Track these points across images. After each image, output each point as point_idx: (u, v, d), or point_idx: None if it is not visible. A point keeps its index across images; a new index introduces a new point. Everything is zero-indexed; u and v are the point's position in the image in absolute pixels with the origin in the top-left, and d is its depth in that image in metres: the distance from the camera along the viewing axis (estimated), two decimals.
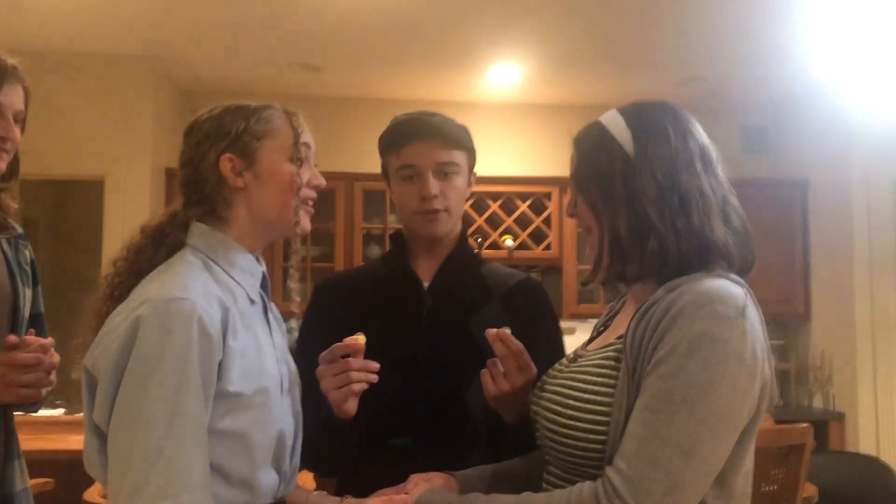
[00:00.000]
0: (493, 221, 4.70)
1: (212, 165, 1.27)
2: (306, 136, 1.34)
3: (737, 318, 1.08)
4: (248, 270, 1.28)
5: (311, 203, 1.34)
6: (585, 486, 1.08)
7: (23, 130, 1.63)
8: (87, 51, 4.28)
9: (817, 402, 4.71)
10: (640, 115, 1.23)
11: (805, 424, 2.33)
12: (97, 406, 1.11)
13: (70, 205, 5.89)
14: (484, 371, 1.42)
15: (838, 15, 3.70)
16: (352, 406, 1.38)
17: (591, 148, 1.23)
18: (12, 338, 1.52)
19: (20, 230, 1.73)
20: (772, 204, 4.81)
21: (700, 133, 1.24)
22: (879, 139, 4.37)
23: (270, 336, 1.30)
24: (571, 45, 4.20)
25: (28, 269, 1.72)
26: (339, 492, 1.57)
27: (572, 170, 1.27)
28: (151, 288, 1.16)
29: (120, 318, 1.14)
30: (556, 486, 1.23)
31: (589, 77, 4.64)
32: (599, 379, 1.16)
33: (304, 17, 3.79)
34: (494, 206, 4.67)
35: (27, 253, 1.74)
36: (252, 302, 1.27)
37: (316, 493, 1.42)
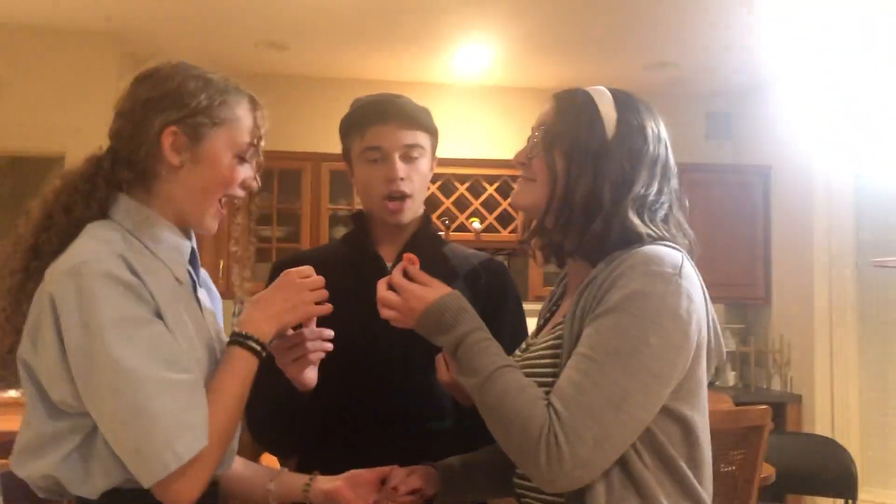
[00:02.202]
0: (461, 204, 4.70)
1: (153, 131, 1.16)
2: (263, 139, 1.25)
3: (672, 276, 1.11)
4: (175, 247, 1.21)
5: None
6: (538, 412, 1.08)
7: None
8: (48, 24, 4.17)
9: (775, 385, 4.81)
10: (629, 105, 1.25)
11: (763, 406, 2.38)
12: (59, 392, 1.08)
13: (30, 182, 5.77)
14: (438, 356, 1.42)
15: (803, 6, 3.74)
16: (311, 377, 1.36)
17: (574, 112, 1.24)
18: None
19: None
20: (734, 189, 4.88)
21: (668, 144, 1.27)
22: (841, 128, 4.43)
23: (202, 315, 1.25)
24: (540, 28, 4.19)
25: None
26: (300, 469, 1.57)
27: (543, 122, 1.27)
28: (57, 264, 1.10)
29: (34, 303, 1.10)
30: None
31: (558, 60, 4.64)
32: (548, 363, 1.19)
33: None
34: (462, 189, 4.66)
35: None
36: (179, 282, 1.20)
37: (283, 470, 1.41)
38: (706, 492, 1.17)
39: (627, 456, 1.10)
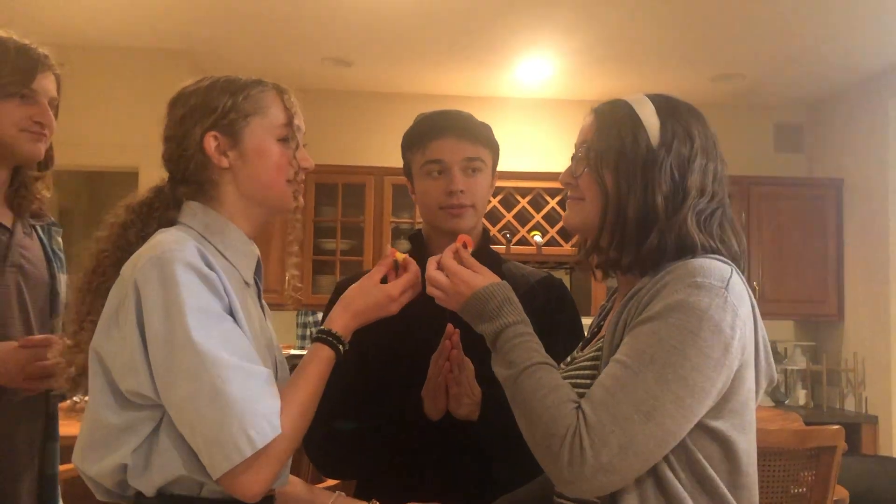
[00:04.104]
0: (522, 217, 4.69)
1: (196, 143, 1.22)
2: (298, 118, 1.28)
3: (718, 289, 1.08)
4: (243, 252, 1.25)
5: (301, 183, 1.29)
6: (566, 412, 1.07)
7: (56, 117, 1.67)
8: (123, 44, 4.34)
9: (849, 405, 4.64)
10: (672, 110, 1.22)
11: (836, 426, 2.30)
12: (131, 380, 1.10)
13: (105, 196, 5.98)
14: (425, 393, 1.45)
15: (876, 13, 3.64)
16: (442, 403, 1.42)
17: (616, 125, 1.22)
18: (24, 340, 1.55)
19: (52, 218, 1.78)
20: (806, 203, 4.76)
21: (717, 145, 1.24)
22: None
23: (265, 320, 1.28)
24: (602, 40, 4.16)
25: (62, 255, 1.76)
26: (359, 494, 1.58)
27: (585, 138, 1.25)
28: (139, 254, 1.14)
29: (113, 293, 1.14)
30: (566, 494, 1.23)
31: (620, 72, 4.61)
32: (589, 374, 1.17)
33: (336, 12, 3.81)
34: (523, 202, 4.65)
35: (59, 240, 1.78)
36: (246, 284, 1.24)
37: (340, 494, 1.42)
38: None
39: (662, 472, 1.08)
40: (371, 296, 1.26)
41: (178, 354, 1.06)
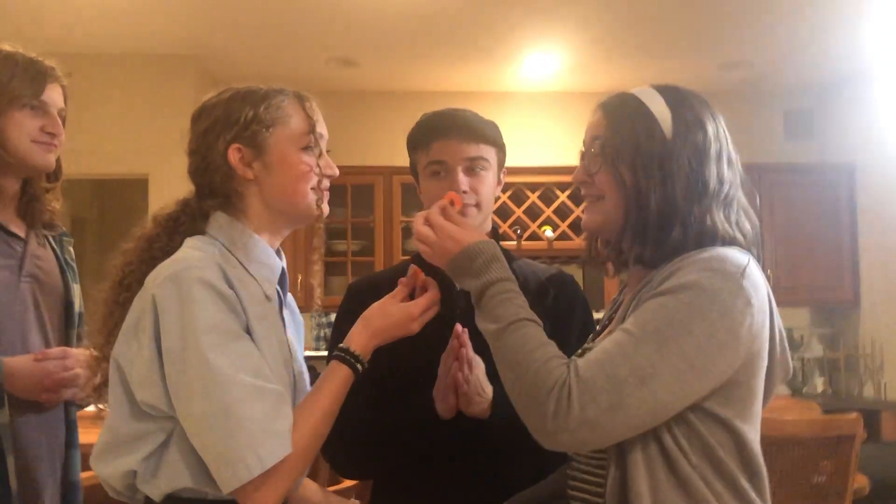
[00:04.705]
0: (532, 212, 4.68)
1: (220, 156, 1.23)
2: (320, 125, 1.29)
3: (733, 274, 1.08)
4: (267, 264, 1.25)
5: (326, 191, 1.29)
6: (556, 366, 1.07)
7: (63, 128, 1.68)
8: (130, 50, 4.35)
9: (868, 392, 4.61)
10: (681, 100, 1.21)
11: (855, 414, 2.28)
12: (146, 390, 1.11)
13: (115, 203, 6.01)
14: (437, 390, 1.45)
15: None
16: (452, 402, 1.42)
17: (629, 120, 1.20)
18: (40, 353, 1.58)
19: (63, 228, 1.79)
20: (818, 189, 4.73)
21: (727, 132, 1.23)
22: None
23: (284, 334, 1.28)
24: (609, 32, 4.15)
25: (74, 265, 1.77)
26: (375, 494, 1.58)
27: (597, 135, 1.24)
28: (160, 269, 1.15)
29: (135, 305, 1.15)
30: (578, 475, 1.23)
31: (628, 63, 4.59)
32: None
33: (340, 12, 3.81)
34: (533, 197, 4.64)
35: (71, 250, 1.79)
36: (268, 298, 1.24)
37: (353, 502, 1.43)
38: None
39: (675, 457, 1.07)
40: (391, 315, 1.26)
41: (191, 372, 1.07)
